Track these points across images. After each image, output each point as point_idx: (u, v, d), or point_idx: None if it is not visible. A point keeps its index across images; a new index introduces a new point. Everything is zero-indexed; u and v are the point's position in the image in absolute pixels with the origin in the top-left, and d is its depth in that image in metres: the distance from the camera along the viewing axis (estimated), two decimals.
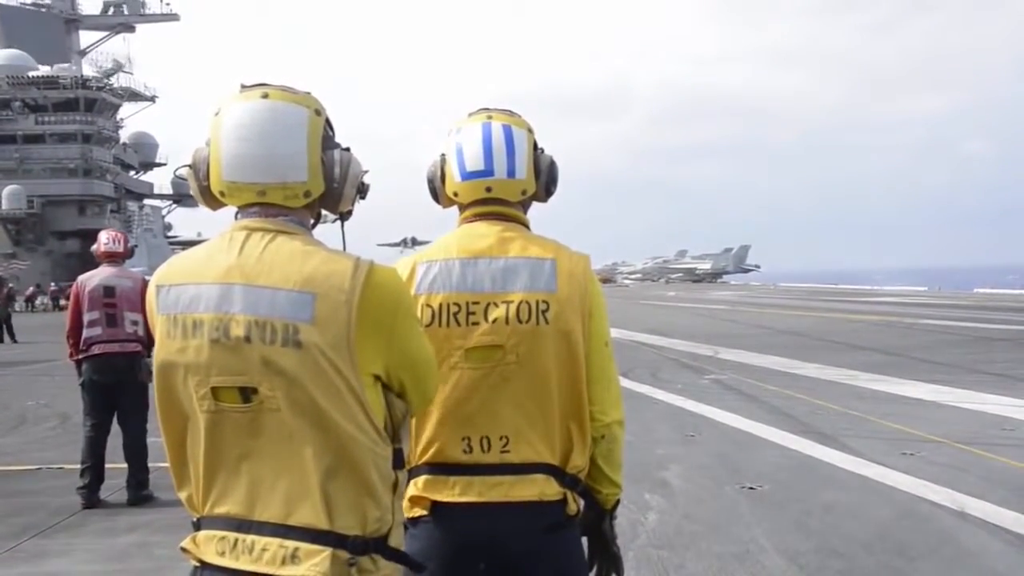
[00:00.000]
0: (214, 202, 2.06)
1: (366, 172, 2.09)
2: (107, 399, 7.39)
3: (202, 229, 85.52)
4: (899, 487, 6.99)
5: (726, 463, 8.08)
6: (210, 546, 1.94)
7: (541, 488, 2.34)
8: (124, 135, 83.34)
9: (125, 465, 7.33)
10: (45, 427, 11.02)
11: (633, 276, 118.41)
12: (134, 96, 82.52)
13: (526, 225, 2.51)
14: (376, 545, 1.90)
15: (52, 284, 58.44)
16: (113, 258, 7.58)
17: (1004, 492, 6.74)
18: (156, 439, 8.53)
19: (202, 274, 1.92)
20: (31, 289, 55.92)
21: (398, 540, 1.97)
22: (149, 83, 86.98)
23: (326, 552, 1.84)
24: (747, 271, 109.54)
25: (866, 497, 6.82)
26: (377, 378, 1.93)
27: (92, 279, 7.45)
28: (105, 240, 7.67)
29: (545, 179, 2.52)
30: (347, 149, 2.05)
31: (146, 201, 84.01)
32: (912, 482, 7.09)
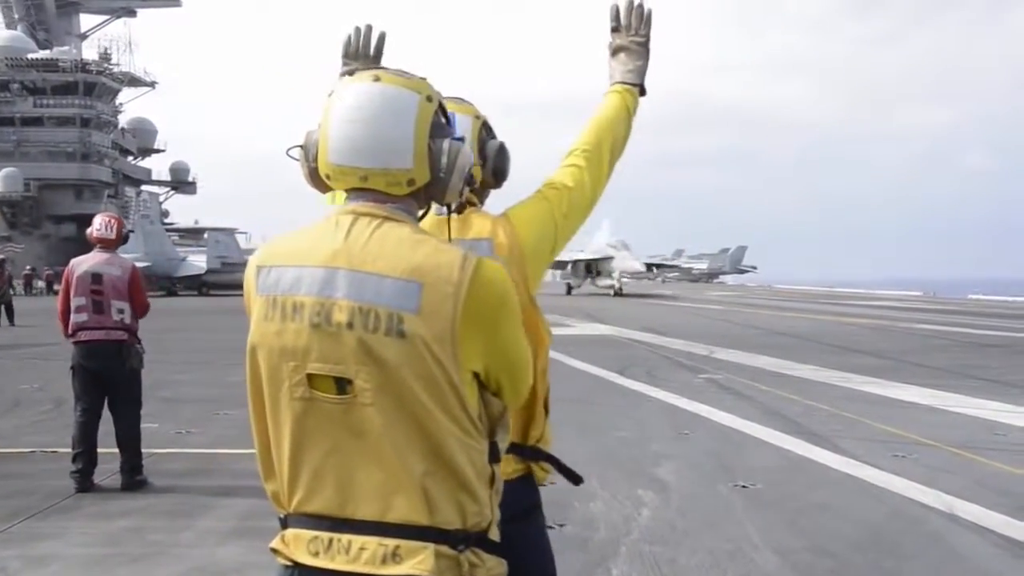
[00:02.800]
0: (322, 185, 2.03)
1: (475, 164, 2.04)
2: (97, 385, 7.37)
3: (200, 216, 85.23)
4: (890, 488, 7.03)
5: (720, 461, 8.11)
6: (301, 546, 1.88)
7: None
8: (123, 120, 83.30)
9: (119, 450, 7.33)
10: (39, 410, 11.01)
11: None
12: (134, 81, 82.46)
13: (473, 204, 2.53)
14: (477, 539, 1.85)
15: (47, 268, 58.38)
16: (105, 244, 7.56)
17: (994, 495, 6.78)
18: (149, 425, 8.50)
19: (306, 256, 1.87)
20: (28, 269, 55.75)
21: (496, 534, 1.92)
22: (149, 69, 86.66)
23: (429, 548, 1.79)
24: (743, 272, 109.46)
25: (858, 498, 6.86)
26: (475, 375, 1.88)
27: (82, 264, 7.43)
28: (98, 225, 7.63)
29: (491, 164, 2.51)
30: (460, 139, 2.00)
31: (143, 187, 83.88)
32: (903, 484, 7.12)
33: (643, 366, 15.47)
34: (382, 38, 2.58)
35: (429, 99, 1.93)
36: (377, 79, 1.92)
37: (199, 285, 56.47)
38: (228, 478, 7.38)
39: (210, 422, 9.97)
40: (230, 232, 62.39)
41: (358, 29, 2.58)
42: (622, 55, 2.67)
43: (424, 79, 1.98)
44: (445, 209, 2.09)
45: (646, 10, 2.68)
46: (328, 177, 1.96)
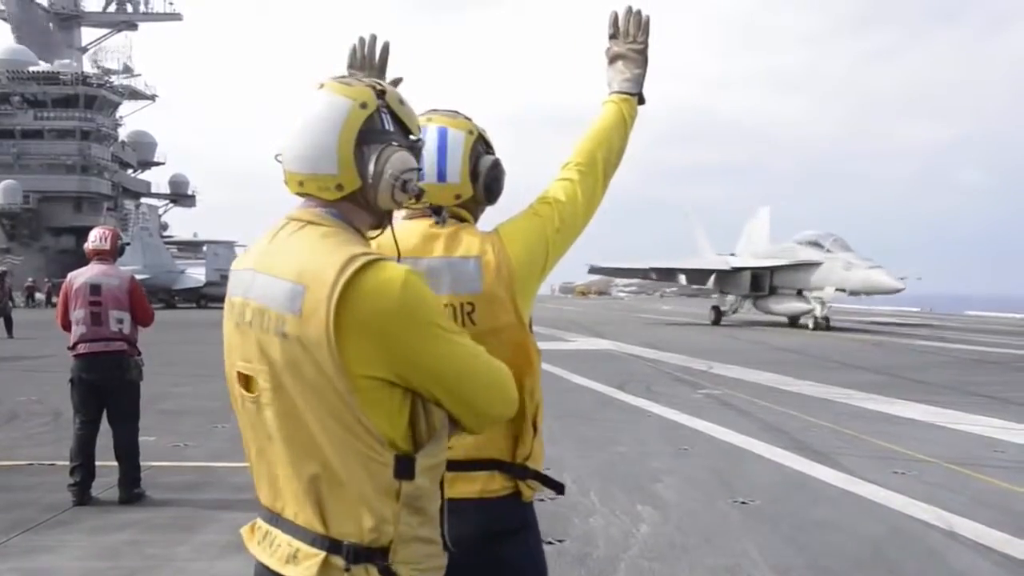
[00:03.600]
0: None
1: (415, 169, 1.98)
2: (96, 397, 7.37)
3: (199, 229, 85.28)
4: (890, 505, 7.02)
5: (719, 477, 8.09)
6: (253, 534, 2.01)
7: (483, 484, 2.25)
8: (123, 133, 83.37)
9: (117, 463, 7.31)
10: (37, 423, 10.98)
11: (628, 289, 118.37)
12: (134, 94, 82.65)
13: (466, 220, 2.45)
14: (372, 556, 1.81)
15: (46, 280, 58.32)
16: (101, 256, 7.58)
17: (993, 513, 6.77)
18: (147, 438, 8.45)
19: (246, 260, 1.99)
20: (29, 281, 55.71)
21: (409, 555, 1.85)
22: (150, 82, 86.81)
23: (320, 556, 1.81)
24: None
25: (857, 514, 6.84)
26: (392, 383, 1.83)
27: (80, 276, 7.45)
28: (93, 237, 7.68)
29: (483, 181, 2.43)
30: (405, 146, 1.98)
31: (143, 200, 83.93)
32: (903, 501, 7.11)
33: (642, 381, 15.45)
34: (386, 48, 2.56)
35: (364, 105, 1.95)
36: (321, 86, 1.99)
37: (198, 298, 56.50)
38: (227, 491, 7.36)
39: (209, 435, 9.95)
40: (229, 245, 62.28)
41: (362, 40, 2.57)
42: (619, 63, 2.65)
43: (374, 86, 1.99)
44: (436, 219, 2.18)
45: (644, 17, 2.65)
46: (286, 183, 2.02)
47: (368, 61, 2.56)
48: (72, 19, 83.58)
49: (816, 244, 34.34)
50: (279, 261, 1.88)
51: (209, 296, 55.70)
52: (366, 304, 1.78)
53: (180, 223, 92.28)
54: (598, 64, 2.78)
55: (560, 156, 2.71)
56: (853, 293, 33.02)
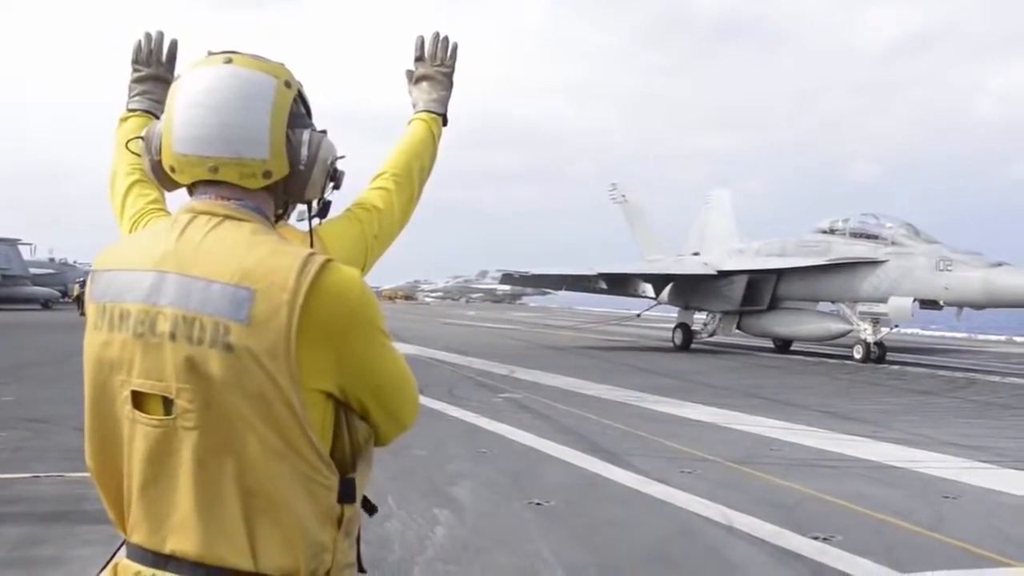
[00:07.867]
0: (167, 180, 1.84)
1: (341, 157, 1.87)
2: None
3: None
4: (676, 503, 7.33)
5: (516, 479, 8.21)
6: None
7: None
8: None
9: None
10: None
11: (434, 294, 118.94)
12: None
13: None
14: None
15: None
16: None
17: (767, 508, 7.20)
18: None
19: (137, 260, 1.70)
20: None
21: None
22: None
23: None
24: (546, 294, 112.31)
25: (645, 513, 7.11)
26: (330, 396, 1.70)
27: None
28: None
29: (327, 167, 2.40)
30: (323, 132, 1.86)
31: None
32: (688, 499, 7.45)
33: (444, 385, 15.50)
34: (174, 45, 2.44)
35: (288, 84, 1.80)
36: (229, 61, 1.77)
37: None
38: None
39: None
40: (12, 243, 57.70)
41: (148, 35, 2.44)
42: (425, 84, 2.64)
43: (282, 64, 1.85)
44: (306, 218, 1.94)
45: (452, 43, 2.67)
46: (173, 169, 1.78)
47: (155, 57, 2.43)
48: None
49: (866, 235, 23.27)
50: (206, 261, 1.64)
51: None
52: (325, 309, 1.63)
53: None
54: (393, 66, 2.78)
55: (364, 159, 2.67)
56: (958, 304, 21.97)
